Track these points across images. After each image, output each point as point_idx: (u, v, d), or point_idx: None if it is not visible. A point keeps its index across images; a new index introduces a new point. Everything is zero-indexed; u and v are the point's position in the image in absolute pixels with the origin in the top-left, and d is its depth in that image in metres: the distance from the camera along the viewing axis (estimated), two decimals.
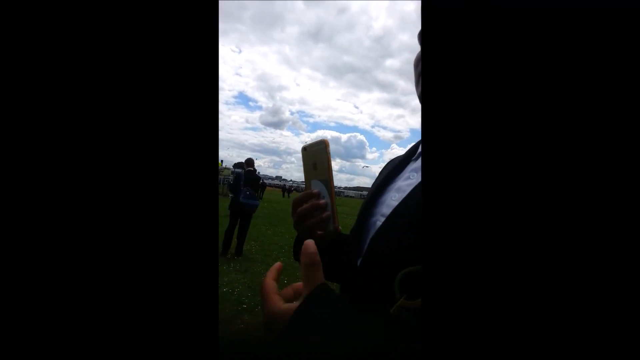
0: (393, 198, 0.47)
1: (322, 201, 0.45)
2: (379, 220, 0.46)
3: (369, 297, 0.41)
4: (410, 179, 0.48)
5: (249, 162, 4.56)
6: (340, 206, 21.82)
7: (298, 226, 0.48)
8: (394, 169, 0.54)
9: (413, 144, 0.58)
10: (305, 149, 0.47)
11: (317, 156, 0.45)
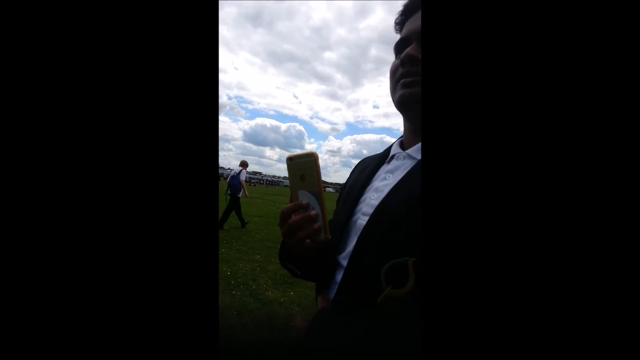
0: (372, 197, 0.50)
1: (313, 212, 0.45)
2: (361, 219, 0.49)
3: (359, 291, 0.44)
4: (387, 179, 0.51)
5: None
6: (279, 195, 21.72)
7: (288, 237, 0.48)
8: (369, 171, 0.57)
9: (385, 148, 0.62)
10: (290, 159, 0.47)
11: (305, 168, 0.45)
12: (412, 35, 0.49)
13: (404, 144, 0.56)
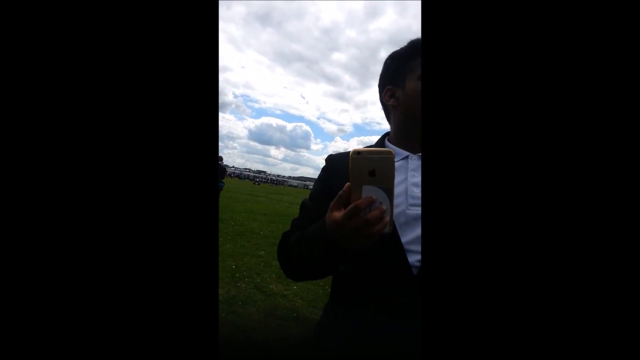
0: (415, 191, 0.58)
1: (384, 207, 0.46)
2: (410, 209, 0.57)
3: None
4: (416, 177, 0.60)
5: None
6: (284, 195, 21.85)
7: (363, 230, 0.46)
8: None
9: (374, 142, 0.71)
10: (358, 153, 0.47)
11: (377, 164, 0.46)
12: None
13: (395, 143, 0.67)
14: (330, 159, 0.71)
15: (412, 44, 0.64)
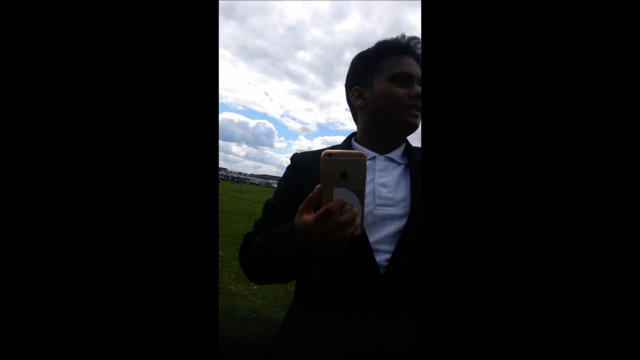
0: (384, 191, 0.59)
1: (355, 210, 0.46)
2: (378, 209, 0.58)
3: (414, 260, 0.52)
4: (384, 177, 0.61)
5: None
6: (245, 193, 21.40)
7: (335, 233, 0.45)
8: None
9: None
10: (330, 155, 0.46)
11: (349, 166, 0.46)
12: (416, 78, 0.62)
13: (362, 143, 0.67)
14: (296, 158, 0.70)
15: (381, 45, 0.65)
